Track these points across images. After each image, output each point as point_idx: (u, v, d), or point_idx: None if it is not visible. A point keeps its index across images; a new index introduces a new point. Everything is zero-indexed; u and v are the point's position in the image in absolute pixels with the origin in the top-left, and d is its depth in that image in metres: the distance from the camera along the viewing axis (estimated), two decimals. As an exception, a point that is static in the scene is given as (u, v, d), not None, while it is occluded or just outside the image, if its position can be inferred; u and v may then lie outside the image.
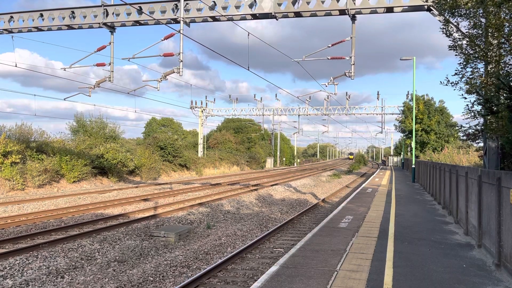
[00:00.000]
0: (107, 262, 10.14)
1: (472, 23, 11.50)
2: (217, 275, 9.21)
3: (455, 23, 12.46)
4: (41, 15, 19.29)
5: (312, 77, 50.59)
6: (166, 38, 17.59)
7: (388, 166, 76.85)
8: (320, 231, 11.30)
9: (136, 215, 16.63)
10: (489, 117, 11.45)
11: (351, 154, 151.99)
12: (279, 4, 16.63)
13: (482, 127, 12.71)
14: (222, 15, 17.13)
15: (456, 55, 11.95)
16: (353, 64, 16.50)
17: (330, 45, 17.11)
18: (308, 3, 16.34)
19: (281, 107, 61.67)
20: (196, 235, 13.67)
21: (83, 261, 10.06)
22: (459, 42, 11.94)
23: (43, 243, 11.08)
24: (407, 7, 15.62)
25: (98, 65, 19.07)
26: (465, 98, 11.98)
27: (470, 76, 11.83)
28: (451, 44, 12.05)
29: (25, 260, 9.72)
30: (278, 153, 77.66)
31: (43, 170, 25.25)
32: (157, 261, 10.36)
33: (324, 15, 16.52)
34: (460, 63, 11.83)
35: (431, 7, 14.95)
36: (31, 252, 10.38)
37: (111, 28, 18.69)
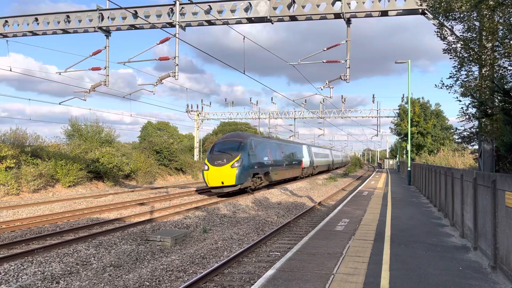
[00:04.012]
0: (103, 267, 10.08)
1: (466, 27, 11.60)
2: (213, 279, 9.18)
3: (450, 27, 12.56)
4: (36, 20, 19.23)
5: (308, 80, 51.00)
6: (162, 42, 17.59)
7: (384, 169, 77.04)
8: (316, 235, 11.30)
9: (132, 220, 16.55)
10: (483, 120, 11.54)
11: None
12: (275, 8, 16.68)
13: (477, 129, 12.79)
14: (218, 19, 17.15)
15: (450, 58, 12.04)
16: (349, 68, 16.56)
17: (325, 49, 17.17)
18: (303, 7, 16.40)
19: (277, 111, 61.69)
20: (193, 239, 13.63)
21: (78, 266, 10.00)
22: (454, 46, 12.03)
23: (38, 248, 11.00)
24: (401, 10, 15.72)
25: (93, 69, 19.04)
26: (460, 101, 12.09)
27: (465, 79, 11.92)
28: (446, 48, 12.14)
29: (20, 265, 9.65)
30: (274, 156, 77.43)
31: (38, 174, 25.11)
32: (153, 265, 10.31)
33: (320, 19, 16.57)
34: (455, 66, 11.93)
35: (425, 11, 15.05)
36: (26, 258, 10.31)
37: (107, 32, 18.67)
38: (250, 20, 17.18)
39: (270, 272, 7.73)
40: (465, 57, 11.72)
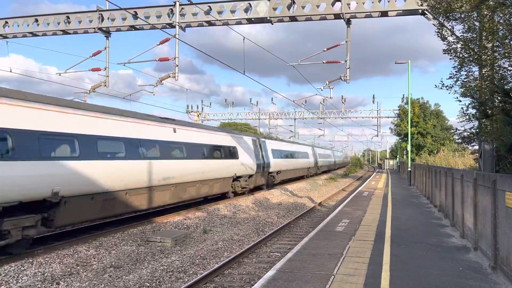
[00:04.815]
0: (103, 268, 10.08)
1: (466, 27, 11.59)
2: (214, 280, 9.17)
3: (450, 27, 12.56)
4: (36, 20, 19.23)
5: (308, 81, 51.06)
6: (162, 43, 17.60)
7: (384, 169, 77.00)
8: (316, 235, 11.29)
9: (132, 220, 16.53)
10: (483, 120, 11.52)
11: None
12: (274, 9, 16.67)
13: (477, 130, 12.78)
14: (218, 20, 17.15)
15: (450, 58, 12.04)
16: (349, 68, 16.55)
17: (325, 49, 17.17)
18: (303, 7, 16.39)
19: (277, 111, 61.64)
20: (193, 240, 13.62)
21: (78, 267, 9.99)
22: (454, 46, 12.02)
23: (38, 249, 10.99)
24: (401, 11, 15.70)
25: (93, 70, 19.05)
26: (460, 101, 12.09)
27: (465, 80, 11.92)
28: (446, 48, 12.13)
29: (20, 266, 9.64)
30: (274, 157, 77.26)
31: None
32: (153, 266, 10.31)
33: (319, 19, 16.56)
34: (455, 66, 11.92)
35: (425, 11, 15.03)
36: (26, 259, 10.30)
37: (107, 33, 18.66)
38: (250, 21, 17.18)
39: (270, 273, 7.73)
40: (465, 58, 11.72)
